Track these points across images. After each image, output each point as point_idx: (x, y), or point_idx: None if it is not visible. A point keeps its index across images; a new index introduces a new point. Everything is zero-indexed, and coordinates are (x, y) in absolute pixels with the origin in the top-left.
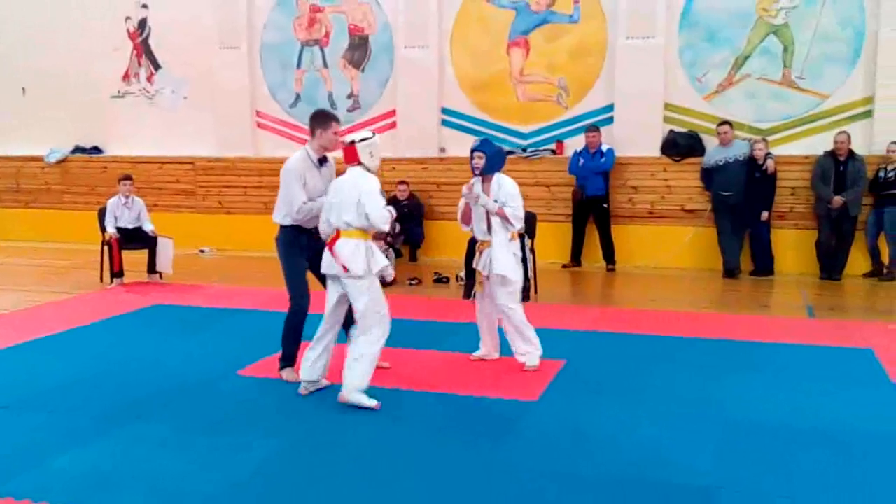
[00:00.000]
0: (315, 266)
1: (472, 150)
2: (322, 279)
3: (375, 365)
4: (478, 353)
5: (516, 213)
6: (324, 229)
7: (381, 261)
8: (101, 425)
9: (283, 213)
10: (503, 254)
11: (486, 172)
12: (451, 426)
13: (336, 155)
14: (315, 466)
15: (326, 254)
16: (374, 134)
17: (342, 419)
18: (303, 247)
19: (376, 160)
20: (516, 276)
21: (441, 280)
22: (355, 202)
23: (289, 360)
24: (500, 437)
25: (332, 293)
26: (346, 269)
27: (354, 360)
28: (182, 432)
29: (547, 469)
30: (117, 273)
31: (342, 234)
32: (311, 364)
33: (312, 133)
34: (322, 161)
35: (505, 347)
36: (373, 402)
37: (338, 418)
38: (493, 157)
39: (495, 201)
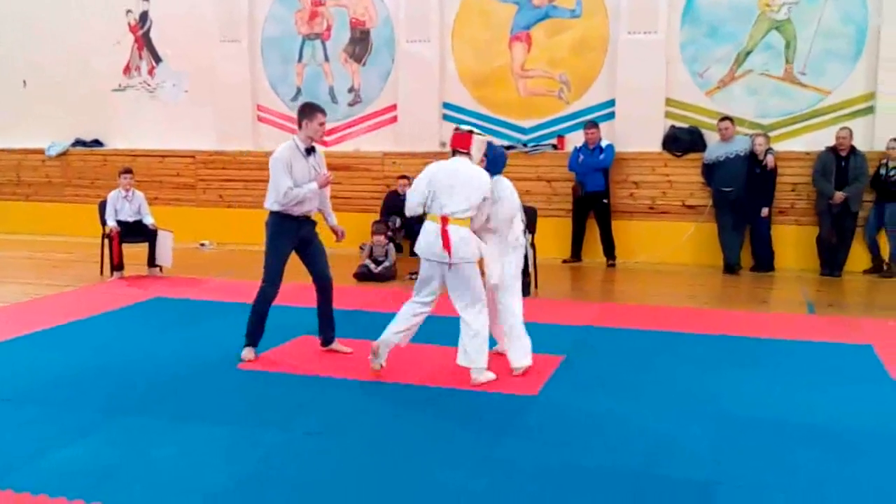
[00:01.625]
0: (304, 252)
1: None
2: (309, 262)
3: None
4: (496, 348)
5: (497, 213)
6: (416, 210)
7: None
8: (101, 418)
9: (272, 200)
10: (492, 263)
11: (491, 174)
12: (452, 420)
13: (335, 149)
14: (317, 460)
15: (430, 238)
16: (485, 135)
17: (343, 413)
18: (290, 233)
19: (477, 159)
20: (509, 280)
21: None
22: (478, 196)
23: (250, 339)
24: (500, 432)
25: (433, 276)
26: (451, 254)
27: (472, 338)
28: (182, 425)
29: (547, 463)
30: (117, 266)
31: (451, 221)
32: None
33: (300, 125)
34: (309, 151)
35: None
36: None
37: (339, 412)
38: (492, 162)
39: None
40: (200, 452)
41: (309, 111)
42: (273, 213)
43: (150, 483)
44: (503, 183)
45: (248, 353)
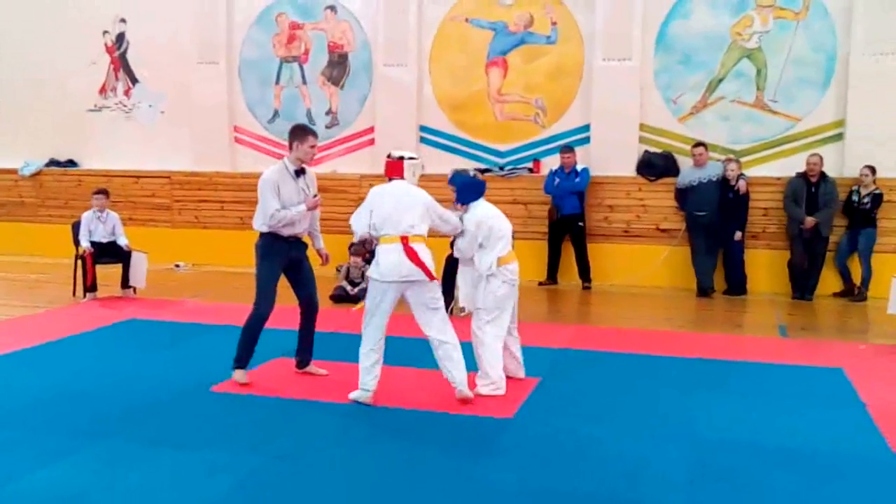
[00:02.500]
0: (293, 275)
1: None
2: (298, 284)
3: None
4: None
5: (458, 244)
6: (364, 233)
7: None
8: (73, 442)
9: (260, 221)
10: (463, 286)
11: (462, 202)
12: (426, 443)
13: (313, 170)
14: (290, 485)
15: (398, 260)
16: (419, 157)
17: (318, 437)
18: (280, 254)
19: (416, 180)
20: (480, 303)
21: None
22: (420, 210)
23: (241, 362)
24: (475, 455)
25: (389, 300)
26: (430, 274)
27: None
28: (155, 449)
29: (522, 486)
30: (90, 287)
31: (412, 240)
32: (373, 376)
33: (290, 146)
34: (299, 172)
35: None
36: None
37: (313, 436)
38: (461, 190)
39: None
40: (173, 477)
41: (300, 133)
42: (263, 235)
43: None
44: (472, 212)
45: (241, 375)
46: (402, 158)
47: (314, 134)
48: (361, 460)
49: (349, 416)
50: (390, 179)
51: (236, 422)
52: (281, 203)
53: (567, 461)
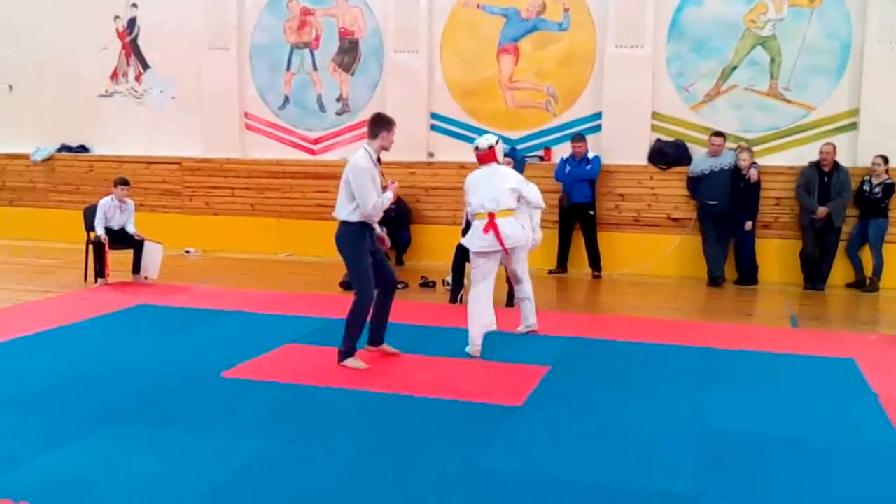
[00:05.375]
0: (373, 258)
1: (505, 155)
2: (377, 268)
3: None
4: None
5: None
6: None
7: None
8: (82, 426)
9: (351, 209)
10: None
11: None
12: (435, 430)
13: (323, 158)
14: (298, 470)
15: (482, 234)
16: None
17: (326, 422)
18: (365, 240)
19: (502, 159)
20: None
21: (427, 284)
22: (509, 188)
23: (352, 350)
24: (484, 442)
25: (489, 267)
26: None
27: (530, 299)
28: (165, 434)
29: (530, 474)
30: (102, 272)
31: (499, 215)
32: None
33: (375, 135)
34: (378, 160)
35: (492, 352)
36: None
37: (322, 422)
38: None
39: None
40: (181, 461)
41: (388, 123)
42: (350, 224)
43: (129, 492)
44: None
45: (355, 362)
46: (492, 147)
47: (395, 124)
48: (369, 446)
49: (358, 402)
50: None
51: (246, 407)
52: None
53: (576, 449)
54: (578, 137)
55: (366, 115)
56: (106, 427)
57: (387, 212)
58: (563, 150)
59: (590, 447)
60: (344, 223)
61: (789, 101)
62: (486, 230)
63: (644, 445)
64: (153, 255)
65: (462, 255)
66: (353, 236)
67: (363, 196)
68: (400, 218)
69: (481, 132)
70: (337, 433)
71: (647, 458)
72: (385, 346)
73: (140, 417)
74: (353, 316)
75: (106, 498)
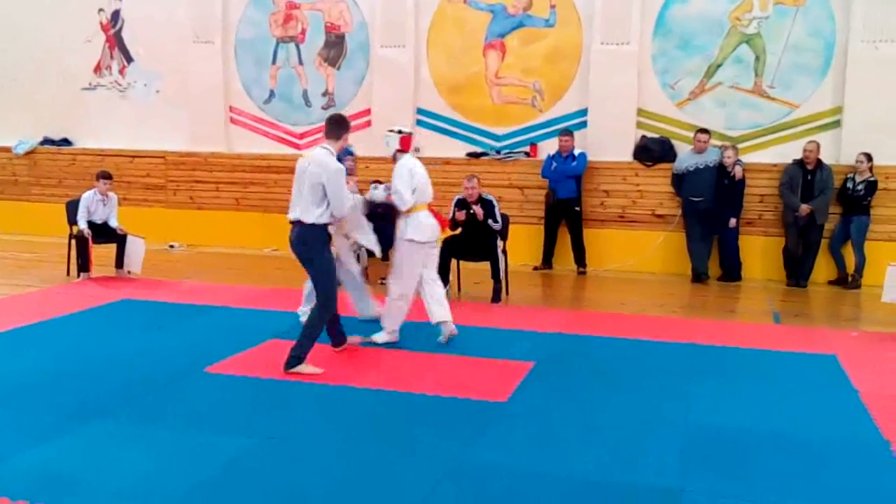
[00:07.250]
0: None
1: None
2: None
3: None
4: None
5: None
6: (407, 201)
7: None
8: (65, 422)
9: (320, 212)
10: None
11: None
12: (420, 426)
13: (309, 152)
14: (282, 466)
15: (432, 223)
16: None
17: (310, 418)
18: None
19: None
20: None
21: None
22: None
23: (304, 358)
24: (469, 438)
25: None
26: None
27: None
28: (148, 429)
29: (515, 469)
30: (85, 267)
31: (422, 207)
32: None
33: (339, 136)
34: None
35: (476, 348)
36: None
37: (306, 417)
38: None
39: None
40: (164, 457)
41: (348, 125)
42: (318, 226)
43: (114, 487)
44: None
45: (310, 367)
46: (410, 134)
47: None
48: (354, 442)
49: (342, 398)
50: (404, 153)
51: (229, 402)
52: None
53: (560, 445)
54: (566, 132)
55: (352, 109)
56: (89, 422)
57: (374, 207)
58: (548, 147)
59: (575, 442)
60: (310, 226)
61: (773, 99)
62: (436, 219)
63: (629, 440)
64: (136, 249)
65: (448, 252)
66: (319, 240)
67: (340, 199)
68: (385, 213)
69: (467, 128)
70: (322, 429)
71: (632, 453)
72: (350, 340)
73: (124, 413)
74: (315, 325)
75: (90, 493)
